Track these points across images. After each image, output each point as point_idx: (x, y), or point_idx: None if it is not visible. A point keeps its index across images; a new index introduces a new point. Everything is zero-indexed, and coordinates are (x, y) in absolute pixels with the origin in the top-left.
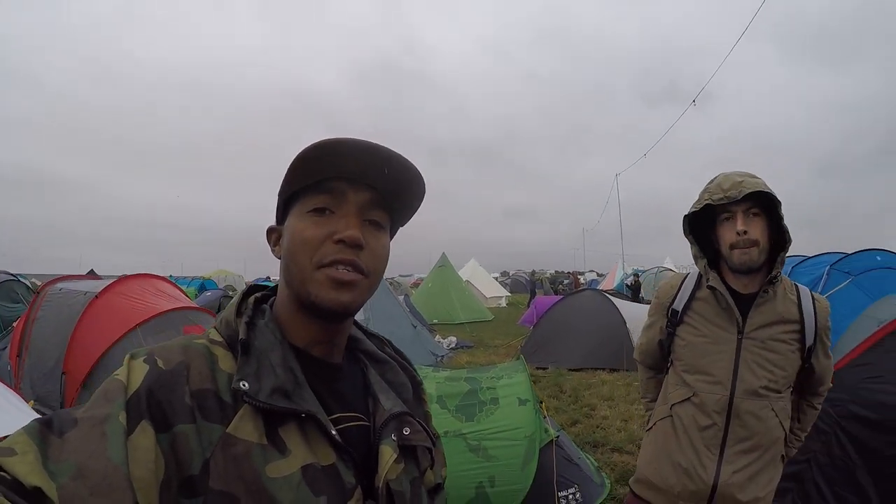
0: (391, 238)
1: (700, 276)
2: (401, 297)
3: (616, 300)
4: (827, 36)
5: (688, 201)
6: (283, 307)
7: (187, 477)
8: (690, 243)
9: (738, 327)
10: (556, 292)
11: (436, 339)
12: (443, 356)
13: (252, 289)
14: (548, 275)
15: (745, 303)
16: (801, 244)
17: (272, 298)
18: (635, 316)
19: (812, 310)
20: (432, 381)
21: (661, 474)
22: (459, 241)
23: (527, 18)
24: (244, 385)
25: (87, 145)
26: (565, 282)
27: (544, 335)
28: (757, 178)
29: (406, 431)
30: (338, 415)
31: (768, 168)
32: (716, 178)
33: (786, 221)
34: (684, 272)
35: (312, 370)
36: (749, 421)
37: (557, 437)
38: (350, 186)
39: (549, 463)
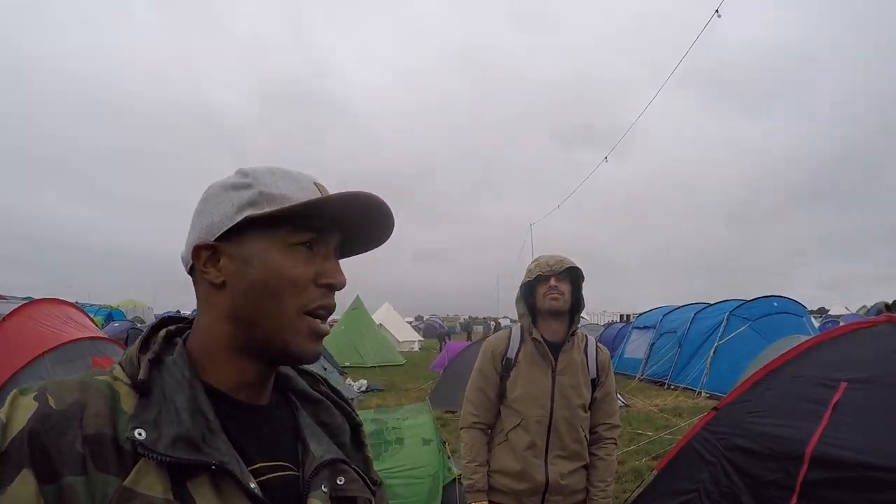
0: None
1: (522, 331)
2: None
3: None
4: (744, 87)
5: (601, 246)
6: (209, 344)
7: None
8: (518, 304)
9: (552, 366)
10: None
11: (346, 381)
12: (353, 399)
13: (164, 321)
14: (461, 320)
15: (554, 349)
16: (704, 291)
17: (187, 332)
18: None
19: (595, 354)
20: None
21: (506, 482)
22: (375, 283)
23: (444, 50)
24: (140, 434)
25: None
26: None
27: (455, 379)
28: (568, 258)
29: (340, 481)
30: (260, 464)
31: (678, 214)
32: (539, 259)
33: (683, 271)
34: (594, 319)
35: (231, 413)
36: (563, 433)
37: (461, 475)
38: (330, 227)
39: (453, 500)
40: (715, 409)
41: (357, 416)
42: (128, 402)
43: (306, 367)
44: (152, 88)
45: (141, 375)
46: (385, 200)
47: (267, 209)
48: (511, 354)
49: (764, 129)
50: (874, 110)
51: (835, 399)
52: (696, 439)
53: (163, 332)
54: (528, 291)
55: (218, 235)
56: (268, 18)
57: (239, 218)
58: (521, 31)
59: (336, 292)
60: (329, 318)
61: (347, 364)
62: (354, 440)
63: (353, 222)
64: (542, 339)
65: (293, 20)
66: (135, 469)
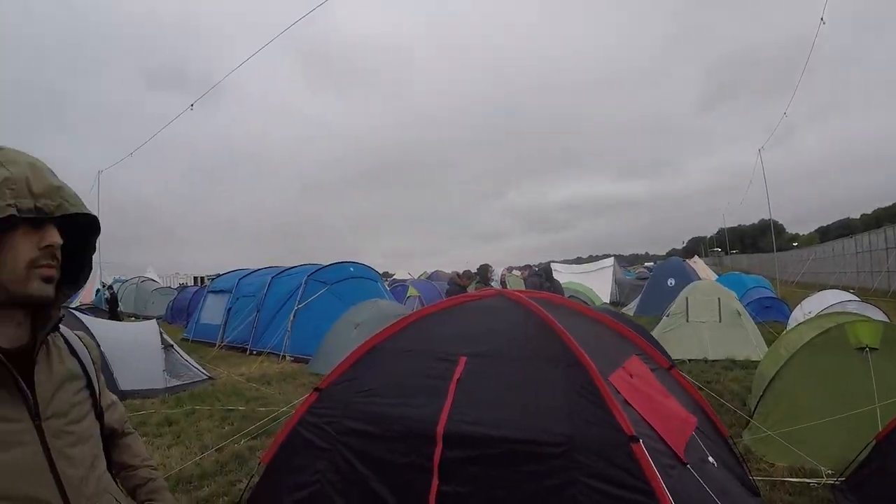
0: None
1: None
2: None
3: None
4: (342, 74)
5: (177, 204)
6: None
7: None
8: None
9: (29, 406)
10: None
11: None
12: None
13: None
14: None
15: (21, 365)
16: (278, 257)
17: None
18: (114, 338)
19: (85, 350)
20: None
21: None
22: None
23: None
24: None
25: None
26: None
27: None
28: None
29: None
30: None
31: (257, 180)
32: (8, 165)
33: (268, 235)
34: (167, 283)
35: None
36: None
37: None
38: None
39: None
40: (317, 389)
41: None
42: None
43: None
44: None
45: None
46: None
47: None
48: None
49: (348, 115)
50: (436, 108)
51: (457, 375)
52: (302, 424)
53: None
54: None
55: None
56: None
57: None
58: None
59: None
60: None
61: None
62: None
63: None
64: None
65: None
66: None
